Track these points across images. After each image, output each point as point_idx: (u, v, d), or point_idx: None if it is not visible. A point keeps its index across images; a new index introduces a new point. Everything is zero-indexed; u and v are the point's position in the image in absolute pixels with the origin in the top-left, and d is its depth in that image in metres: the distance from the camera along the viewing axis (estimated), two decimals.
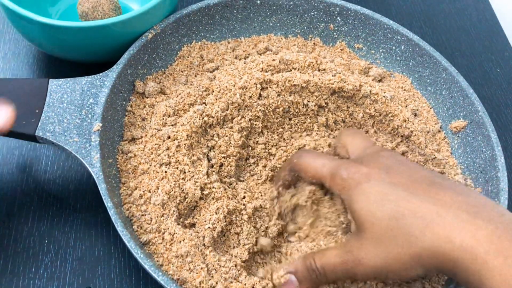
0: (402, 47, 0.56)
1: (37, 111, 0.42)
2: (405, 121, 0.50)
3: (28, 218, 0.46)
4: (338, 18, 0.58)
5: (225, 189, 0.43)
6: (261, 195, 0.45)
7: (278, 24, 0.58)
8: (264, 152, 0.48)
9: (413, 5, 0.71)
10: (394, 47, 0.57)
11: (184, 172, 0.42)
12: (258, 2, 0.57)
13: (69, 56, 0.53)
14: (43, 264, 0.44)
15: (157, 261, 0.39)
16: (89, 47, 0.50)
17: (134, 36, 0.50)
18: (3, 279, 0.42)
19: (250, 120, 0.47)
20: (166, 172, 0.43)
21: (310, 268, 0.37)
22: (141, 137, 0.46)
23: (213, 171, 0.44)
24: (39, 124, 0.41)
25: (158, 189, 0.42)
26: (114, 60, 0.48)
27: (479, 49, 0.67)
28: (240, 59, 0.54)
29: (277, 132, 0.49)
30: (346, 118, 0.50)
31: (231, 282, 0.39)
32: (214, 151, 0.45)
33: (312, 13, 0.58)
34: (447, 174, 0.49)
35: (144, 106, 0.49)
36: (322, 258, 0.37)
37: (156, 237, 0.40)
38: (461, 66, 0.58)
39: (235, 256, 0.41)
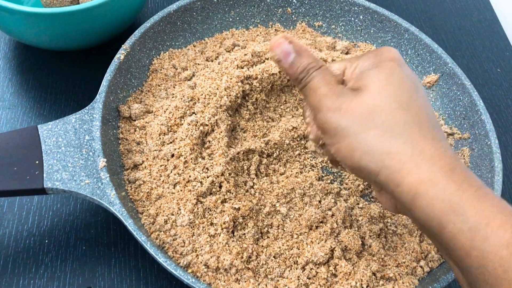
0: (361, 17, 0.58)
1: (37, 162, 0.39)
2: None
3: (28, 218, 0.46)
4: (294, 0, 0.59)
5: (243, 191, 0.44)
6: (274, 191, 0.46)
7: (238, 18, 0.58)
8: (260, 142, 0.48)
9: (413, 5, 0.71)
10: (353, 18, 0.58)
11: (201, 184, 0.42)
12: (215, 0, 0.56)
13: (51, 45, 0.53)
14: (43, 264, 0.44)
15: (204, 281, 0.39)
16: (74, 33, 0.51)
17: (119, 18, 0.53)
18: (3, 279, 0.42)
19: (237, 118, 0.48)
20: (181, 191, 0.42)
21: (306, 66, 0.34)
22: (143, 162, 0.45)
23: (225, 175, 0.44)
24: (45, 175, 0.39)
25: (180, 210, 0.41)
26: (97, 45, 0.54)
27: (479, 49, 0.67)
28: (212, 61, 0.54)
29: (266, 117, 0.50)
30: None
31: (278, 280, 0.40)
32: (213, 155, 0.45)
33: (268, 0, 0.58)
34: None
35: (135, 130, 0.47)
36: (324, 74, 0.34)
37: (194, 257, 0.40)
38: (461, 66, 0.58)
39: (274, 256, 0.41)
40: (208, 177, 0.42)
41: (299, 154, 0.48)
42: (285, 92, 0.51)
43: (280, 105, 0.51)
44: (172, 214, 0.41)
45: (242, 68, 0.50)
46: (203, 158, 0.44)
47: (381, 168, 0.30)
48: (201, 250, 0.40)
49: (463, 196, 0.28)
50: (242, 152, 0.46)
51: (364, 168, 0.31)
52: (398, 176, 0.30)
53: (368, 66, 0.33)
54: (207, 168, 0.44)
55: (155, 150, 0.45)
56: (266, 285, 0.40)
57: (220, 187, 0.43)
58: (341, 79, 0.35)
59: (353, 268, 0.41)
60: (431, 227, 0.29)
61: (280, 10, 0.59)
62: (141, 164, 0.45)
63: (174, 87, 0.51)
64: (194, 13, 0.55)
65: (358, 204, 0.45)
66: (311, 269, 0.41)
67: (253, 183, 0.45)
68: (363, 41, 0.59)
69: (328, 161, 0.39)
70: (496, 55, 0.67)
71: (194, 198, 0.41)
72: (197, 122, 0.45)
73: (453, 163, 0.30)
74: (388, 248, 0.43)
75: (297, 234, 0.43)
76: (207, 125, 0.45)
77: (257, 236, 0.42)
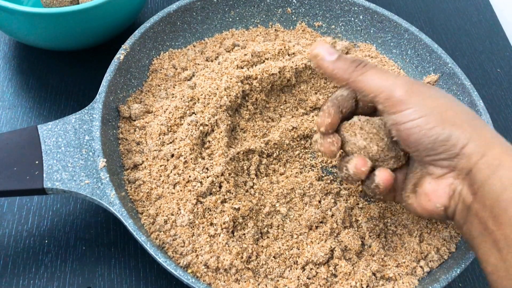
0: (361, 17, 0.58)
1: (37, 162, 0.39)
2: None
3: (28, 218, 0.46)
4: (294, 0, 0.59)
5: (243, 191, 0.44)
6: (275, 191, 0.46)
7: (238, 18, 0.58)
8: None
9: (413, 5, 0.71)
10: (353, 19, 0.58)
11: (201, 184, 0.42)
12: (215, 0, 0.56)
13: (51, 45, 0.54)
14: (43, 264, 0.44)
15: (204, 281, 0.39)
16: (74, 33, 0.51)
17: (119, 18, 0.53)
18: (3, 279, 0.42)
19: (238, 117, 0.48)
20: (181, 191, 0.42)
21: (356, 59, 0.36)
22: (143, 162, 0.45)
23: (225, 174, 0.44)
24: (44, 175, 0.39)
25: (180, 210, 0.41)
26: (97, 45, 0.54)
27: (479, 49, 0.67)
28: (212, 61, 0.54)
29: (266, 118, 0.50)
30: (325, 93, 0.52)
31: (278, 280, 0.40)
32: (213, 155, 0.45)
33: (268, 0, 0.58)
34: None
35: (135, 130, 0.47)
36: (375, 65, 0.36)
37: (194, 257, 0.40)
38: (461, 66, 0.58)
39: (273, 257, 0.41)
40: (208, 177, 0.42)
41: (299, 154, 0.48)
42: (285, 92, 0.51)
43: (280, 105, 0.51)
44: (172, 214, 0.41)
45: (242, 68, 0.50)
46: (203, 158, 0.44)
47: (471, 138, 0.33)
48: (201, 250, 0.40)
49: None
50: (242, 152, 0.46)
51: (452, 138, 0.33)
52: (485, 147, 0.32)
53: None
54: (207, 168, 0.44)
55: (155, 150, 0.45)
56: (266, 285, 0.40)
57: (220, 187, 0.43)
58: None
59: (353, 268, 0.41)
60: (503, 200, 0.31)
61: (280, 10, 0.59)
62: (141, 164, 0.45)
63: (174, 87, 0.51)
64: (194, 13, 0.55)
65: (358, 204, 0.45)
66: (311, 269, 0.41)
67: (253, 183, 0.45)
68: (363, 41, 0.59)
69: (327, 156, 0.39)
70: (496, 55, 0.67)
71: (194, 198, 0.41)
72: (197, 122, 0.45)
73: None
74: (388, 248, 0.43)
75: (297, 234, 0.43)
76: (207, 125, 0.45)
77: (257, 236, 0.42)
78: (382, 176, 0.36)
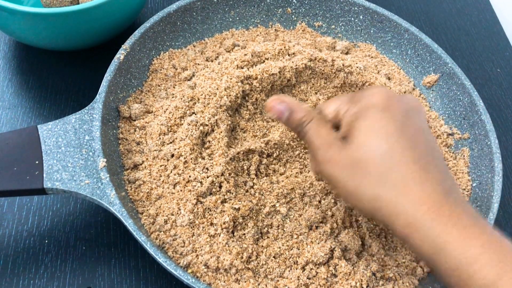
0: (361, 17, 0.58)
1: (37, 162, 0.39)
2: (382, 86, 0.52)
3: (28, 218, 0.46)
4: (294, 0, 0.59)
5: (243, 191, 0.44)
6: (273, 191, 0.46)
7: (238, 18, 0.58)
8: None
9: (413, 5, 0.71)
10: (353, 19, 0.58)
11: (201, 184, 0.42)
12: (215, 0, 0.56)
13: (51, 45, 0.54)
14: (43, 264, 0.44)
15: (204, 281, 0.39)
16: (74, 33, 0.51)
17: (119, 18, 0.53)
18: (3, 279, 0.42)
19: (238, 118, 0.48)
20: (181, 191, 0.42)
21: (298, 122, 0.37)
22: (143, 162, 0.45)
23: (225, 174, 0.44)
24: (44, 175, 0.39)
25: (180, 210, 0.41)
26: (97, 45, 0.54)
27: (479, 49, 0.67)
28: (212, 61, 0.54)
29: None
30: (326, 93, 0.52)
31: (278, 280, 0.40)
32: (213, 155, 0.45)
33: (268, 0, 0.58)
34: (433, 128, 0.52)
35: (135, 130, 0.47)
36: (316, 127, 0.37)
37: (194, 257, 0.40)
38: (461, 66, 0.58)
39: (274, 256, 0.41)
40: (208, 177, 0.42)
41: (299, 154, 0.48)
42: (285, 92, 0.51)
43: None
44: (172, 214, 0.41)
45: (242, 68, 0.50)
46: (203, 158, 0.44)
47: (374, 211, 0.34)
48: (201, 250, 0.40)
49: (449, 237, 0.30)
50: (242, 152, 0.46)
51: (361, 209, 0.35)
52: (390, 219, 0.33)
53: (354, 115, 0.36)
54: (207, 168, 0.44)
55: (155, 150, 0.45)
56: (266, 285, 0.40)
57: (220, 187, 0.43)
58: (337, 120, 0.38)
59: (353, 268, 0.41)
60: (426, 262, 0.32)
61: (280, 10, 0.59)
62: (141, 164, 0.45)
63: (174, 87, 0.51)
64: (194, 13, 0.55)
65: None
66: (311, 269, 0.41)
67: (253, 183, 0.45)
68: (363, 41, 0.59)
69: None
70: (496, 55, 0.67)
71: (194, 198, 0.41)
72: (197, 122, 0.45)
73: (442, 201, 0.32)
74: (388, 248, 0.43)
75: (297, 234, 0.43)
76: (207, 125, 0.45)
77: (257, 236, 0.42)
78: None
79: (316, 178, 0.44)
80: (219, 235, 0.40)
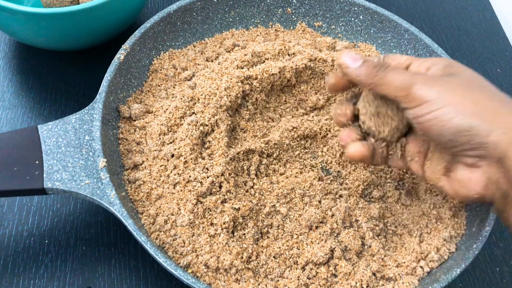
0: (361, 17, 0.58)
1: (37, 162, 0.39)
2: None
3: (28, 218, 0.46)
4: (294, 1, 0.59)
5: (243, 191, 0.44)
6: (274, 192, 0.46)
7: (238, 18, 0.58)
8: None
9: (413, 5, 0.71)
10: (353, 19, 0.58)
11: (201, 184, 0.42)
12: (215, 0, 0.56)
13: (51, 45, 0.54)
14: (43, 264, 0.44)
15: (204, 281, 0.39)
16: (74, 33, 0.51)
17: (119, 19, 0.53)
18: (3, 279, 0.42)
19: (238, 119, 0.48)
20: (181, 191, 0.42)
21: (377, 63, 0.37)
22: (143, 162, 0.45)
23: (224, 175, 0.44)
24: (45, 175, 0.39)
25: (180, 210, 0.41)
26: (97, 45, 0.54)
27: (479, 49, 0.67)
28: (212, 61, 0.54)
29: (266, 118, 0.50)
30: (326, 93, 0.52)
31: (278, 280, 0.40)
32: (213, 155, 0.45)
33: (268, 0, 0.58)
34: None
35: (135, 130, 0.47)
36: (394, 67, 0.36)
37: (194, 257, 0.40)
38: None
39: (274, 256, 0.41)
40: (208, 177, 0.42)
41: (299, 154, 0.48)
42: (285, 92, 0.51)
43: (280, 105, 0.51)
44: (172, 214, 0.41)
45: (242, 68, 0.50)
46: (203, 158, 0.44)
47: (494, 126, 0.32)
48: (201, 250, 0.40)
49: None
50: (242, 152, 0.46)
51: (473, 127, 0.32)
52: (507, 137, 0.31)
53: (449, 63, 0.36)
54: (207, 168, 0.44)
55: (155, 150, 0.45)
56: (266, 285, 0.40)
57: (220, 187, 0.43)
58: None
59: (353, 268, 0.41)
60: None
61: (280, 10, 0.59)
62: (141, 164, 0.45)
63: (174, 87, 0.51)
64: (194, 13, 0.55)
65: (358, 204, 0.45)
66: (311, 269, 0.41)
67: (253, 183, 0.45)
68: (363, 41, 0.59)
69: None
70: (496, 55, 0.67)
71: (194, 198, 0.41)
72: (197, 122, 0.45)
73: None
74: (388, 248, 0.43)
75: (297, 234, 0.43)
76: (207, 125, 0.45)
77: (257, 236, 0.42)
78: (352, 150, 0.40)
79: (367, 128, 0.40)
80: (219, 235, 0.40)
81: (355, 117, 0.41)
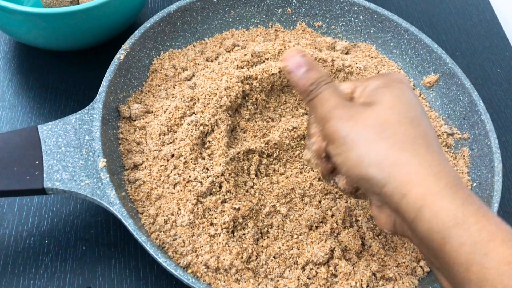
0: (361, 17, 0.58)
1: (37, 162, 0.39)
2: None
3: (28, 218, 0.46)
4: (294, 0, 0.59)
5: (243, 191, 0.44)
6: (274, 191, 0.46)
7: (238, 18, 0.58)
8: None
9: (413, 5, 0.71)
10: (353, 19, 0.58)
11: (201, 184, 0.42)
12: (215, 0, 0.56)
13: (51, 45, 0.54)
14: (43, 264, 0.44)
15: (204, 281, 0.39)
16: (74, 33, 0.51)
17: (119, 18, 0.53)
18: (3, 279, 0.42)
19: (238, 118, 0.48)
20: (181, 191, 0.42)
21: (316, 79, 0.34)
22: (143, 162, 0.45)
23: (224, 174, 0.44)
24: (45, 175, 0.39)
25: (180, 210, 0.41)
26: (97, 45, 0.55)
27: (479, 49, 0.67)
28: (212, 61, 0.54)
29: (266, 118, 0.50)
30: None
31: (278, 280, 0.40)
32: (213, 155, 0.45)
33: (268, 0, 0.58)
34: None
35: (135, 130, 0.47)
36: (333, 88, 0.34)
37: (194, 257, 0.40)
38: (461, 66, 0.59)
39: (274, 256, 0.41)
40: (208, 177, 0.42)
41: (299, 154, 0.48)
42: (285, 92, 0.51)
43: (280, 105, 0.51)
44: (172, 214, 0.41)
45: (242, 68, 0.50)
46: (203, 158, 0.44)
47: (388, 179, 0.31)
48: (201, 250, 0.40)
49: (467, 212, 0.29)
50: (242, 152, 0.46)
51: (370, 178, 0.31)
52: (405, 188, 0.30)
53: (379, 84, 0.34)
54: (207, 168, 0.44)
55: (155, 150, 0.45)
56: (266, 285, 0.40)
57: (220, 187, 0.43)
58: (350, 97, 0.36)
59: (353, 268, 0.41)
60: (433, 241, 0.29)
61: (280, 10, 0.59)
62: (141, 164, 0.45)
63: (174, 87, 0.51)
64: (194, 13, 0.55)
65: (358, 204, 0.45)
66: (311, 269, 0.41)
67: (253, 183, 0.45)
68: (363, 41, 0.59)
69: (321, 174, 0.39)
70: (496, 55, 0.67)
71: (194, 198, 0.41)
72: (197, 122, 0.45)
73: (457, 181, 0.31)
74: (388, 248, 0.43)
75: (297, 234, 0.43)
76: (207, 125, 0.45)
77: (257, 236, 0.42)
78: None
79: (308, 145, 0.39)
80: (219, 235, 0.40)
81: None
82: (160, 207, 0.42)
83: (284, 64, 0.35)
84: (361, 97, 0.35)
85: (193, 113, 0.47)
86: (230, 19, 0.58)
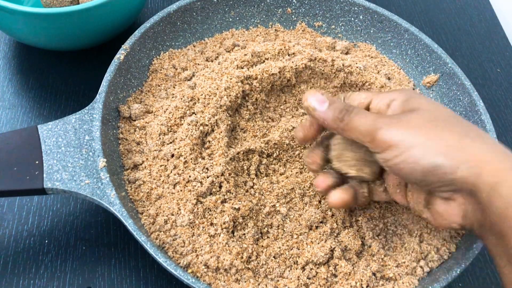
0: (361, 17, 0.58)
1: (37, 162, 0.39)
2: (383, 86, 0.52)
3: (28, 218, 0.46)
4: (294, 0, 0.59)
5: (243, 191, 0.44)
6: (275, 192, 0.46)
7: (238, 18, 0.58)
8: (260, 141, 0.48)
9: (413, 5, 0.71)
10: (353, 19, 0.58)
11: (201, 184, 0.42)
12: (215, 0, 0.56)
13: (51, 45, 0.54)
14: (43, 264, 0.44)
15: (204, 281, 0.39)
16: (74, 33, 0.51)
17: (119, 18, 0.53)
18: (3, 279, 0.43)
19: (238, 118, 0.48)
20: (181, 191, 0.42)
21: (343, 107, 0.36)
22: (143, 162, 0.45)
23: (225, 174, 0.44)
24: (45, 175, 0.39)
25: (180, 210, 0.41)
26: (97, 45, 0.55)
27: (479, 49, 0.67)
28: (212, 61, 0.54)
29: (266, 117, 0.50)
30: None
31: (278, 280, 0.40)
32: (213, 155, 0.45)
33: (268, 0, 0.58)
34: None
35: (135, 130, 0.47)
36: (358, 111, 0.36)
37: (194, 257, 0.40)
38: (461, 66, 0.58)
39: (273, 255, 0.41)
40: (208, 177, 0.42)
41: (299, 154, 0.48)
42: (285, 92, 0.51)
43: (280, 105, 0.51)
44: (172, 214, 0.41)
45: (242, 68, 0.50)
46: (203, 158, 0.44)
47: (459, 163, 0.32)
48: (201, 250, 0.40)
49: None
50: (242, 152, 0.46)
51: (439, 166, 0.32)
52: (478, 167, 0.31)
53: (406, 96, 0.37)
54: (207, 168, 0.44)
55: (155, 150, 0.45)
56: (266, 285, 0.40)
57: (220, 187, 0.43)
58: (368, 108, 0.38)
59: (353, 268, 0.41)
60: (511, 216, 0.30)
61: (280, 10, 0.59)
62: (141, 164, 0.45)
63: (174, 87, 0.51)
64: (194, 13, 0.55)
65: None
66: (311, 269, 0.41)
67: (253, 183, 0.45)
68: (363, 41, 0.59)
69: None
70: (496, 55, 0.67)
71: (194, 198, 0.41)
72: (197, 122, 0.45)
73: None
74: (388, 248, 0.43)
75: (297, 234, 0.43)
76: (207, 125, 0.45)
77: (257, 236, 0.42)
78: (333, 198, 0.40)
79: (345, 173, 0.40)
80: (219, 235, 0.40)
81: (328, 161, 0.41)
82: (160, 207, 0.42)
83: (306, 104, 0.37)
84: (394, 110, 0.36)
85: (193, 113, 0.47)
86: (230, 19, 0.58)
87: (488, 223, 0.32)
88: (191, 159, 0.44)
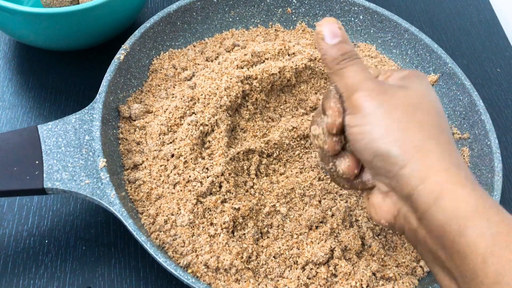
0: (361, 17, 0.58)
1: (37, 162, 0.39)
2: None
3: (28, 218, 0.46)
4: (294, 0, 0.59)
5: (243, 191, 0.44)
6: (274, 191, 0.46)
7: (238, 18, 0.58)
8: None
9: (413, 5, 0.71)
10: (353, 19, 0.58)
11: (201, 184, 0.42)
12: (215, 0, 0.56)
13: (51, 45, 0.54)
14: (43, 264, 0.44)
15: (204, 281, 0.39)
16: (74, 33, 0.51)
17: (119, 18, 0.53)
18: (3, 279, 0.43)
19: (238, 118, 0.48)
20: (181, 191, 0.42)
21: (348, 51, 0.34)
22: (143, 162, 0.45)
23: (224, 174, 0.44)
24: (45, 175, 0.39)
25: (180, 210, 0.41)
26: (97, 45, 0.55)
27: (479, 49, 0.67)
28: (212, 61, 0.54)
29: (266, 117, 0.50)
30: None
31: (278, 280, 0.40)
32: (213, 155, 0.45)
33: (268, 0, 0.58)
34: None
35: (135, 130, 0.47)
36: (356, 62, 0.34)
37: (194, 257, 0.40)
38: (461, 66, 0.59)
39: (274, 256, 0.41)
40: (208, 177, 0.42)
41: (299, 154, 0.48)
42: (285, 92, 0.51)
43: (280, 105, 0.51)
44: (172, 214, 0.41)
45: (242, 68, 0.50)
46: (203, 158, 0.44)
47: (410, 160, 0.30)
48: (201, 250, 0.40)
49: (487, 204, 0.29)
50: (242, 152, 0.46)
51: (392, 156, 0.31)
52: (425, 173, 0.30)
53: (408, 74, 0.35)
54: (207, 168, 0.44)
55: (155, 150, 0.45)
56: (266, 285, 0.40)
57: (220, 187, 0.43)
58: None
59: (353, 268, 0.41)
60: (448, 231, 0.29)
61: (280, 10, 0.59)
62: (141, 164, 0.45)
63: (174, 87, 0.51)
64: (194, 13, 0.55)
65: (358, 204, 0.45)
66: (311, 269, 0.41)
67: (253, 183, 0.45)
68: (363, 41, 0.59)
69: (321, 155, 0.38)
70: (496, 55, 0.67)
71: (194, 198, 0.41)
72: (197, 122, 0.45)
73: (472, 176, 0.31)
74: (388, 248, 0.43)
75: (297, 234, 0.43)
76: (207, 125, 0.45)
77: (257, 236, 0.42)
78: (346, 164, 0.35)
79: (321, 117, 0.36)
80: (219, 235, 0.40)
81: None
82: (160, 207, 0.42)
83: (319, 29, 0.34)
84: (393, 80, 0.35)
85: (193, 113, 0.47)
86: (230, 19, 0.58)
87: (422, 233, 0.31)
88: (191, 159, 0.44)
